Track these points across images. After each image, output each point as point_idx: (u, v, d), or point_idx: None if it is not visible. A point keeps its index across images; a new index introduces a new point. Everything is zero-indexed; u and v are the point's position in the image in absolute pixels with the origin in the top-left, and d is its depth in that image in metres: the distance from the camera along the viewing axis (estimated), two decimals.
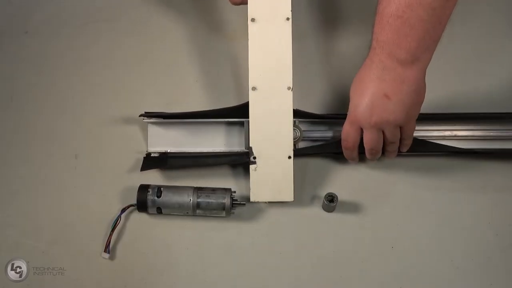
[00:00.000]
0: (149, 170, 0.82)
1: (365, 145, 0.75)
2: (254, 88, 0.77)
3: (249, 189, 0.78)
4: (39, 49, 0.92)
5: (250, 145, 0.78)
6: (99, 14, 0.95)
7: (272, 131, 0.77)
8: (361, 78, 0.71)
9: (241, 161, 0.81)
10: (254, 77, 0.77)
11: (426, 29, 0.66)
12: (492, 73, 0.89)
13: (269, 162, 0.78)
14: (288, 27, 0.77)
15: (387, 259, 0.78)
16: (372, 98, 0.69)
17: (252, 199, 0.78)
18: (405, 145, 0.77)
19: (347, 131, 0.75)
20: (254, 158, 0.77)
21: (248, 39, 0.77)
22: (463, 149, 0.81)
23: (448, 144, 0.82)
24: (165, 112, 0.84)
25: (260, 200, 0.79)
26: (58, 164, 0.84)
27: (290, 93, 0.77)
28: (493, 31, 0.93)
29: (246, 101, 0.78)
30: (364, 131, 0.73)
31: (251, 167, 0.78)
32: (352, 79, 0.73)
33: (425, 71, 0.69)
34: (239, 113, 0.81)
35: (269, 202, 0.80)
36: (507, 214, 0.80)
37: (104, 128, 0.86)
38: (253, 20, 0.77)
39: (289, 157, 0.77)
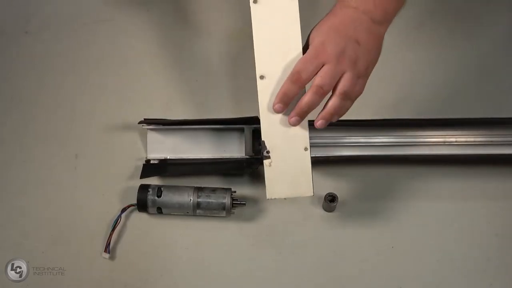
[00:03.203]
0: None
1: (316, 79, 0.67)
2: (262, 77, 0.70)
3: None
4: (39, 49, 0.92)
5: (263, 139, 0.71)
6: (99, 14, 0.95)
7: (286, 123, 0.70)
8: (334, 22, 0.68)
9: (241, 169, 0.81)
10: (261, 65, 0.70)
11: None
12: (494, 75, 0.89)
13: (284, 156, 0.71)
14: (294, 6, 0.70)
15: (387, 259, 0.78)
16: (345, 40, 0.67)
17: (268, 197, 0.72)
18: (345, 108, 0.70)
19: (305, 63, 0.67)
20: (268, 152, 0.71)
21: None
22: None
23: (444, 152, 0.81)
24: (164, 119, 0.84)
25: (277, 197, 0.73)
26: (58, 164, 0.84)
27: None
28: (496, 32, 0.93)
29: (246, 115, 0.79)
30: (325, 65, 0.67)
31: (265, 162, 0.71)
32: None
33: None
34: (239, 121, 0.81)
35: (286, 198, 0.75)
36: (507, 214, 0.80)
37: (104, 128, 0.86)
38: (255, 1, 0.70)
39: (306, 149, 0.72)
